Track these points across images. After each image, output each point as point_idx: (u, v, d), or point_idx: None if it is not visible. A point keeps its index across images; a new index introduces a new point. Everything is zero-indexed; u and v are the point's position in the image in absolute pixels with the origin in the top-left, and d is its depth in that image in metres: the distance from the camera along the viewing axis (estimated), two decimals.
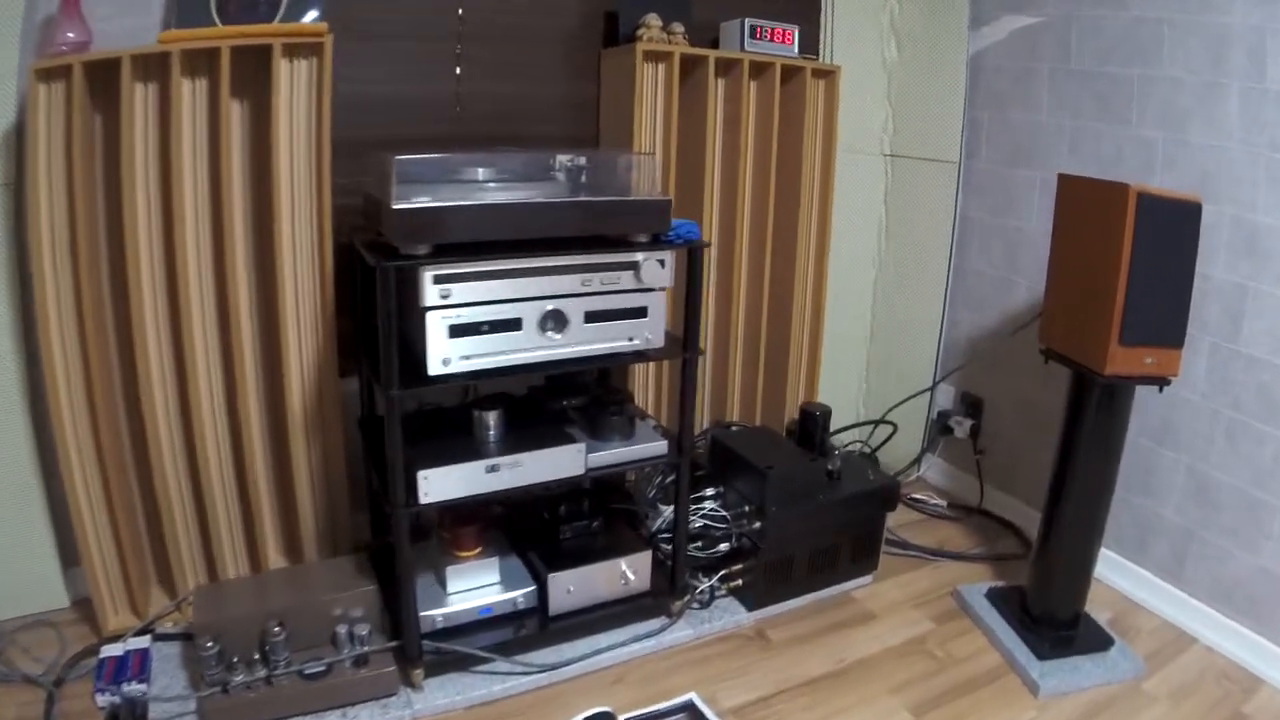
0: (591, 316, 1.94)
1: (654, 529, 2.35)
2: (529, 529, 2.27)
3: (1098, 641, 2.20)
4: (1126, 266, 1.89)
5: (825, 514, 2.30)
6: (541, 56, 2.48)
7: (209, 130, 2.01)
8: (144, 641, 2.07)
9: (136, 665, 1.98)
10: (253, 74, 2.01)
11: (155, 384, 2.08)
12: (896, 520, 2.80)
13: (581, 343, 1.94)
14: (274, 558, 2.33)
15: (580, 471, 2.01)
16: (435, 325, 1.78)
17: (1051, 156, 2.59)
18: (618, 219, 1.92)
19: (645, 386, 2.68)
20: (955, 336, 2.97)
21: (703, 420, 2.80)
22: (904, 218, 3.02)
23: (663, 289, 1.99)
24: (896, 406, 3.05)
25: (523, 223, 1.82)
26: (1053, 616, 2.21)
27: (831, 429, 3.04)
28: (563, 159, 2.08)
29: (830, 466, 2.33)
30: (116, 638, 2.08)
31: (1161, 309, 1.94)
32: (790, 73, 2.63)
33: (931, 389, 3.00)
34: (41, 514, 2.15)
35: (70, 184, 1.89)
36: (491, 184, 1.98)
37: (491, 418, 2.00)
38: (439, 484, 1.87)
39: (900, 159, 2.99)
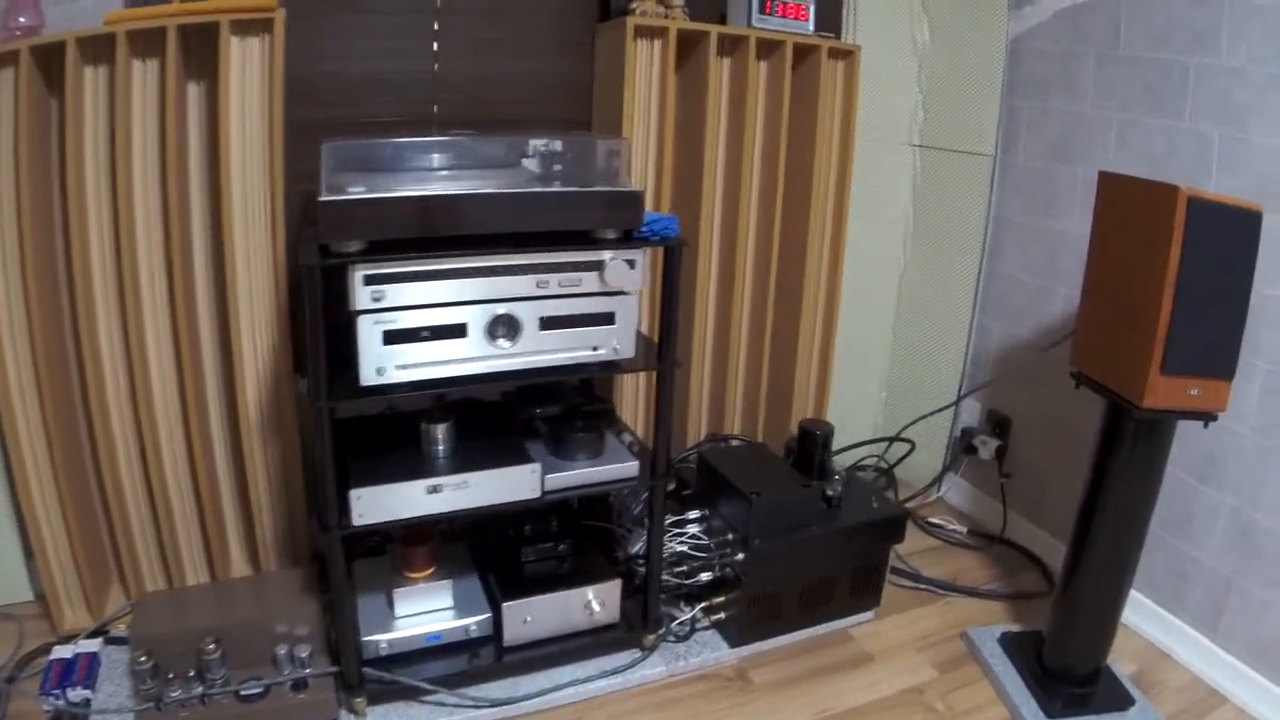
0: (549, 323, 1.69)
1: (633, 551, 2.10)
2: (493, 546, 2.04)
3: (1117, 699, 1.90)
4: (1173, 282, 1.59)
5: (819, 546, 2.02)
6: (529, 32, 2.23)
7: (159, 115, 1.81)
8: (95, 645, 1.91)
9: (84, 669, 1.82)
10: (208, 55, 1.82)
11: (108, 381, 1.92)
12: (909, 546, 2.50)
13: (537, 352, 1.70)
14: (237, 564, 2.17)
15: (534, 495, 1.78)
16: (367, 331, 1.56)
17: (1097, 152, 2.25)
18: (580, 213, 1.67)
19: (635, 395, 2.43)
20: (984, 347, 2.65)
21: (700, 432, 2.53)
22: (933, 215, 2.69)
23: (633, 292, 1.74)
24: (914, 423, 2.74)
25: (469, 216, 1.58)
26: (1070, 670, 1.92)
27: (845, 444, 2.78)
28: (536, 144, 1.82)
29: (830, 492, 2.05)
30: (73, 637, 1.94)
31: (1211, 333, 1.63)
32: (804, 52, 2.33)
33: (956, 404, 2.69)
34: (2, 504, 2.02)
35: (17, 176, 1.72)
36: (448, 172, 1.74)
37: (440, 431, 1.78)
38: (373, 505, 1.66)
39: (930, 150, 2.66)
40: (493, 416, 1.94)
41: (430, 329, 1.61)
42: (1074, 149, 2.32)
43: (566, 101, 2.31)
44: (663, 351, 1.80)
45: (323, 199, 1.47)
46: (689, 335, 2.41)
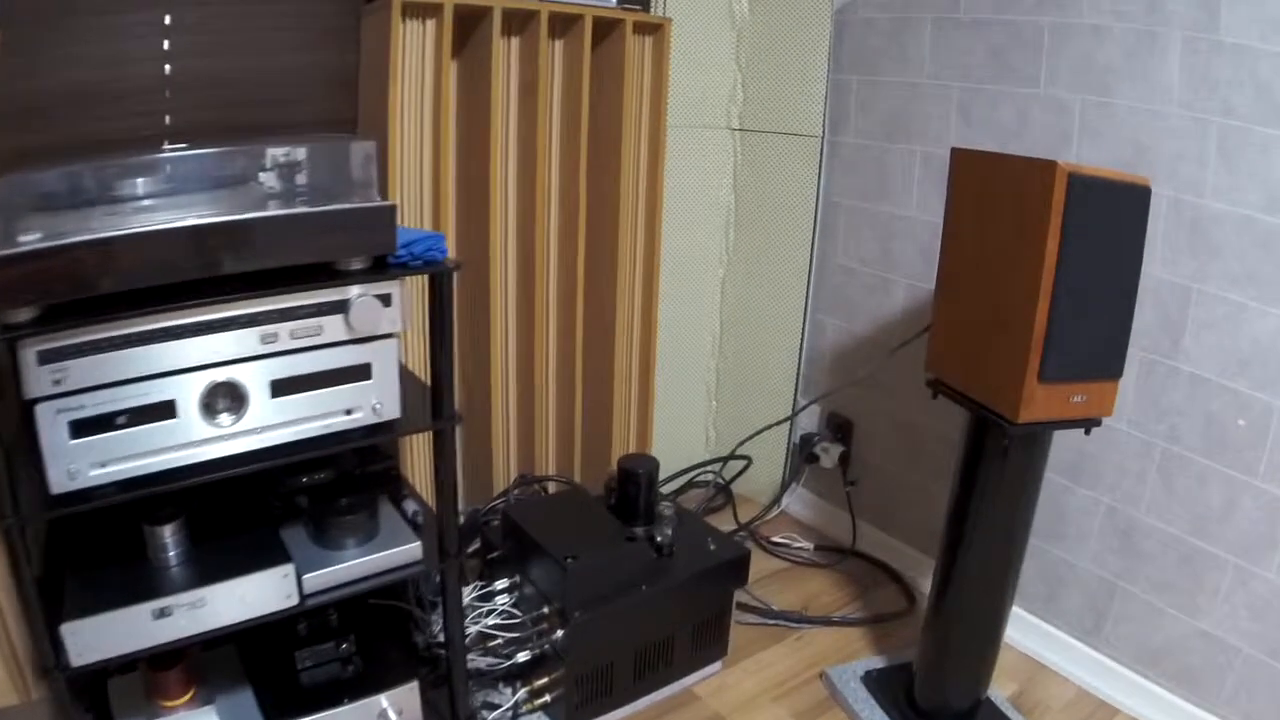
0: (283, 387, 1.23)
1: (437, 632, 1.63)
2: (266, 648, 1.54)
3: None
4: (1050, 274, 1.29)
5: (653, 606, 1.63)
6: (284, 20, 1.68)
7: None
8: None
9: None
10: None
11: None
12: (755, 571, 2.14)
13: (272, 426, 1.24)
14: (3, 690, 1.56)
15: (291, 603, 1.31)
16: (49, 422, 1.09)
17: (935, 127, 1.94)
18: (311, 239, 1.19)
19: (427, 441, 1.94)
20: (819, 346, 2.32)
21: (509, 473, 2.07)
22: (757, 204, 2.33)
23: (392, 335, 1.29)
24: (748, 440, 2.39)
25: (160, 259, 1.09)
26: (946, 707, 1.65)
27: (675, 470, 2.40)
28: (275, 154, 1.32)
29: (659, 537, 1.65)
30: None
31: (1096, 330, 1.36)
32: (606, 28, 1.89)
33: (791, 418, 2.34)
34: None
35: None
36: (159, 200, 1.22)
37: (167, 533, 1.29)
38: (92, 640, 1.18)
39: (752, 134, 2.29)
40: (242, 499, 1.45)
41: (128, 412, 1.14)
42: (910, 125, 2.00)
43: (330, 100, 1.78)
44: (438, 405, 1.34)
45: None
46: (487, 366, 1.94)
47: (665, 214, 2.15)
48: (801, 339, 2.32)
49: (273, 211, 1.17)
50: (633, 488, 1.68)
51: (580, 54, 1.86)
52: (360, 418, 1.29)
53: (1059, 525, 1.83)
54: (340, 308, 1.23)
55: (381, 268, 1.26)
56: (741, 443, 2.39)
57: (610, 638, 1.58)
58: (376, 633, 1.60)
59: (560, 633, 1.53)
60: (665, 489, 2.39)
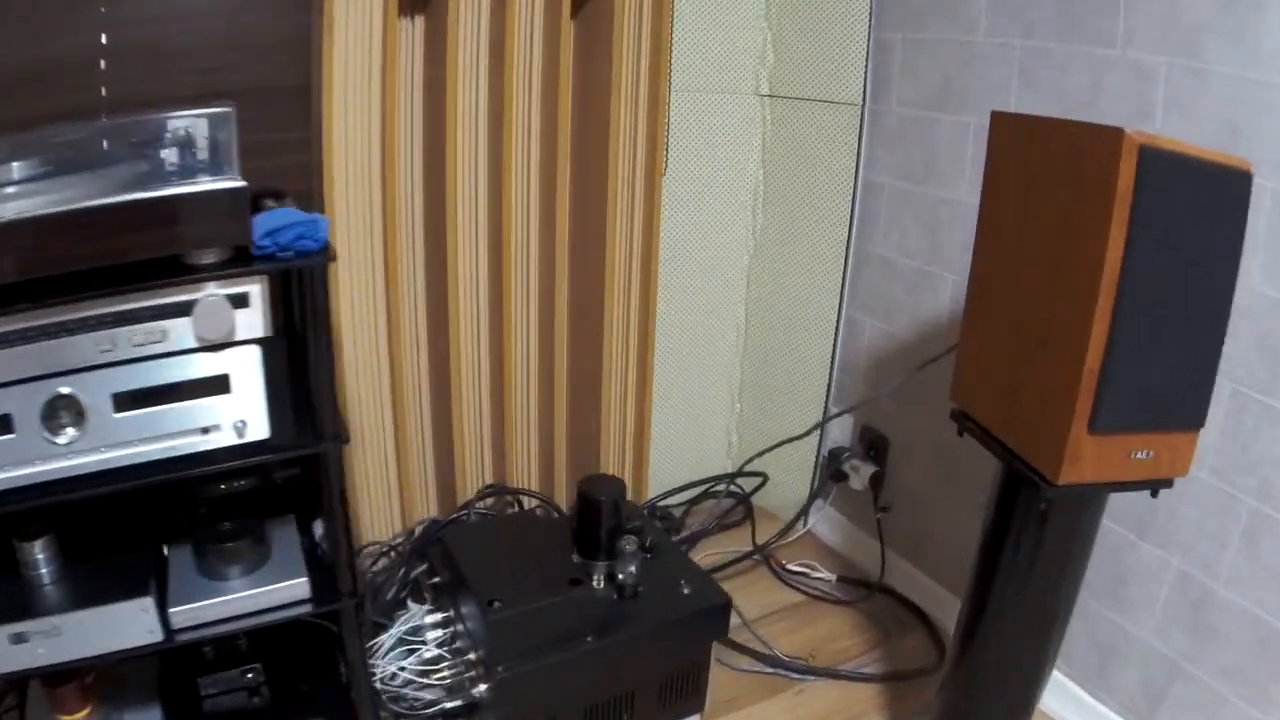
0: (127, 401, 1.02)
1: (382, 659, 1.40)
2: (181, 670, 1.37)
3: None
4: (1113, 283, 0.95)
5: (604, 659, 1.34)
6: None
7: None
8: None
9: None
10: None
11: None
12: (764, 603, 1.86)
13: (119, 444, 1.04)
14: None
15: (155, 639, 1.13)
16: None
17: (993, 94, 1.58)
18: (148, 230, 0.97)
19: (380, 429, 1.71)
20: (854, 347, 1.98)
21: (480, 482, 1.80)
22: (788, 183, 1.99)
23: (253, 340, 1.05)
24: (763, 454, 2.06)
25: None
26: None
27: (688, 481, 2.11)
28: (176, 125, 1.11)
29: (621, 575, 1.37)
30: None
31: (1173, 362, 1.00)
32: None
33: (819, 427, 2.00)
34: None
35: None
36: (30, 183, 1.02)
37: (38, 550, 1.13)
38: None
39: (782, 100, 1.95)
40: (134, 514, 1.25)
41: None
42: (963, 92, 1.64)
43: (280, 64, 1.54)
44: (317, 422, 1.09)
45: None
46: (446, 358, 1.68)
47: (682, 194, 1.87)
48: (835, 339, 1.99)
49: (78, 205, 0.93)
50: (591, 517, 1.40)
51: (559, 8, 1.56)
52: (220, 438, 1.06)
53: (1118, 586, 1.47)
54: (185, 310, 0.99)
55: (244, 260, 1.02)
56: (759, 454, 2.07)
57: (547, 695, 1.31)
58: (291, 661, 1.39)
59: (484, 687, 1.27)
60: (678, 499, 2.11)
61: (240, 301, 1.02)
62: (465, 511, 1.66)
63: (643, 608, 1.38)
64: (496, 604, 1.26)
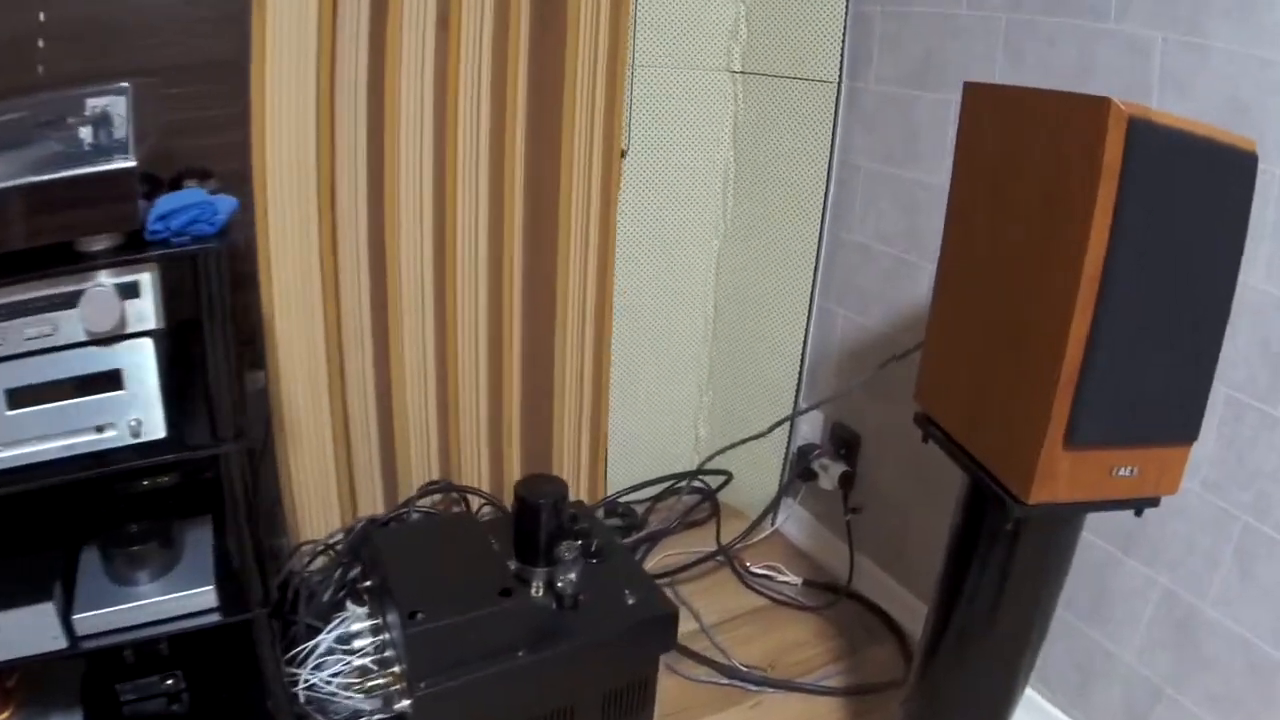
0: (21, 397, 0.93)
1: (308, 667, 1.29)
2: (104, 674, 1.28)
3: None
4: (1096, 275, 0.83)
5: (537, 674, 1.23)
6: None
7: None
8: None
9: None
10: None
11: None
12: (727, 607, 1.75)
13: (10, 444, 0.95)
14: None
15: (59, 646, 1.04)
16: None
17: (977, 69, 1.45)
18: (34, 216, 0.89)
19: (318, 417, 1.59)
20: (826, 339, 1.86)
21: (425, 473, 1.68)
22: (761, 164, 1.86)
23: (146, 333, 0.95)
24: (730, 449, 1.95)
25: None
26: None
27: (653, 476, 1.99)
28: (94, 103, 1.00)
29: (560, 583, 1.25)
30: None
31: (1163, 366, 0.88)
32: None
33: (786, 421, 1.88)
34: None
35: None
36: None
37: None
38: None
39: (755, 78, 1.82)
40: (49, 513, 1.15)
41: None
42: (945, 68, 1.52)
43: (225, 38, 1.42)
44: (216, 422, 0.98)
45: None
46: (386, 341, 1.56)
47: (648, 176, 1.75)
48: (806, 329, 1.87)
49: None
50: (529, 521, 1.28)
51: None
52: (115, 436, 0.95)
53: (1101, 605, 1.36)
54: (73, 301, 0.88)
55: (136, 247, 0.90)
56: (723, 449, 1.96)
57: (475, 710, 1.19)
58: (231, 662, 1.29)
59: (407, 702, 1.15)
60: (643, 494, 1.99)
61: (130, 291, 0.92)
62: (405, 510, 1.54)
63: (583, 618, 1.26)
64: (419, 615, 1.14)
